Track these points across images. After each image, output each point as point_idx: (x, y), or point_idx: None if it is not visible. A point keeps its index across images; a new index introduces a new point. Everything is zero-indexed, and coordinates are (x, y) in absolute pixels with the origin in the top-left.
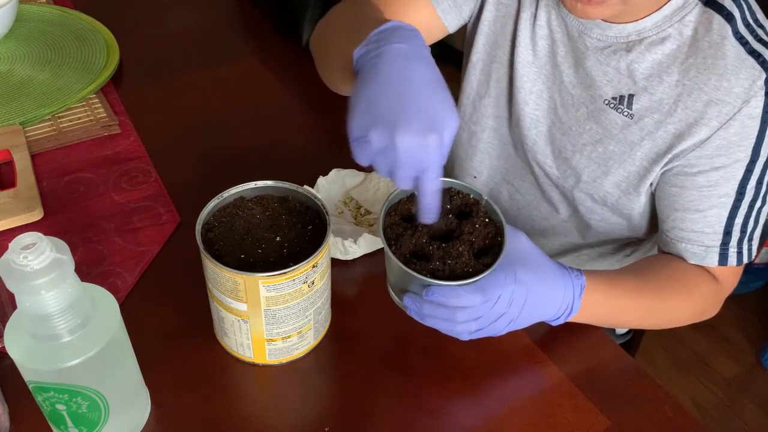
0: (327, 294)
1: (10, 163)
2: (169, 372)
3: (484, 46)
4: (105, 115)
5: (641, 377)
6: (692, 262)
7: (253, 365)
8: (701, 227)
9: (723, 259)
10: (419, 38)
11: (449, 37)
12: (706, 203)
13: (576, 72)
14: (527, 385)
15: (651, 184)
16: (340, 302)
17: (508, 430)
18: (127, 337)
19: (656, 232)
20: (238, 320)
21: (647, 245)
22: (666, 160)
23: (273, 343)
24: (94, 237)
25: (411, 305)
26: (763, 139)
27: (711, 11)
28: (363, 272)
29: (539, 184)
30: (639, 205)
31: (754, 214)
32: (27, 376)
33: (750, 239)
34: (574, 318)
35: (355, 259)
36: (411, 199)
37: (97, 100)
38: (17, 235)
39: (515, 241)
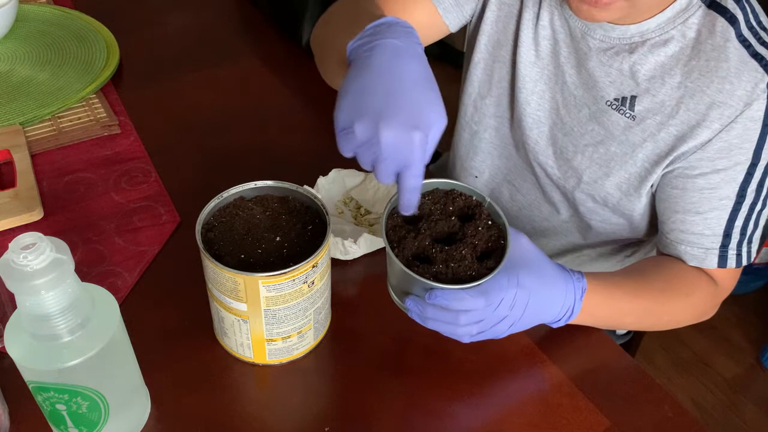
0: (327, 294)
1: (10, 163)
2: (169, 372)
3: (486, 45)
4: (105, 115)
5: (641, 377)
6: (691, 264)
7: (253, 365)
8: (701, 229)
9: (722, 261)
10: (414, 35)
11: (449, 37)
12: (707, 205)
13: (578, 73)
14: (527, 386)
15: (652, 185)
16: (340, 302)
17: (509, 430)
18: (127, 337)
19: (656, 233)
20: (238, 320)
21: (647, 246)
22: (667, 161)
23: (273, 343)
24: (94, 237)
25: (413, 308)
26: (764, 143)
27: (714, 13)
28: (363, 272)
29: (540, 184)
30: (640, 207)
31: (754, 217)
32: (27, 376)
33: (749, 242)
34: (574, 320)
35: (355, 259)
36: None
37: (97, 100)
38: (17, 235)
39: (517, 244)
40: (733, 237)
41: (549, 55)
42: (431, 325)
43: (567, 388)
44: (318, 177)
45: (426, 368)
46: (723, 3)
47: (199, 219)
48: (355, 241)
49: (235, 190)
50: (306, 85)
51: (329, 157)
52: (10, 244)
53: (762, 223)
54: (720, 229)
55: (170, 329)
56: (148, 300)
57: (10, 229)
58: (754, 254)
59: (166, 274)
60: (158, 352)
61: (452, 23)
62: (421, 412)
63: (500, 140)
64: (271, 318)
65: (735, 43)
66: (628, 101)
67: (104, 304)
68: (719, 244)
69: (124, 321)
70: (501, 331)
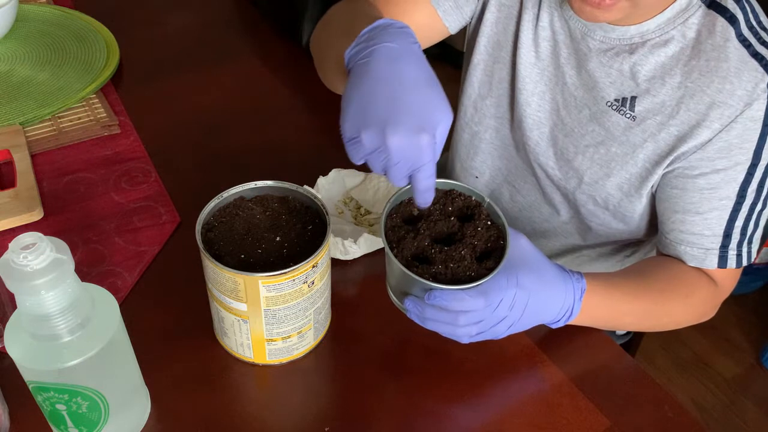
0: (327, 294)
1: (10, 163)
2: (169, 372)
3: (486, 47)
4: (105, 115)
5: (641, 377)
6: (691, 264)
7: (253, 365)
8: (701, 230)
9: (722, 261)
10: (410, 35)
11: (449, 37)
12: (707, 206)
13: (578, 74)
14: (527, 386)
15: (652, 186)
16: (340, 302)
17: (509, 430)
18: (127, 337)
19: (656, 233)
20: (238, 320)
21: (647, 246)
22: (667, 162)
23: (273, 343)
24: (94, 237)
25: (412, 308)
26: (765, 143)
27: (714, 13)
28: (363, 272)
29: (541, 185)
30: (640, 207)
31: (754, 217)
32: (27, 376)
33: (750, 242)
34: (573, 321)
35: (355, 259)
36: (412, 201)
37: (97, 100)
38: (17, 235)
39: (516, 244)
40: (733, 237)
41: (549, 56)
42: (430, 326)
43: (567, 388)
44: (318, 177)
45: (426, 368)
46: (723, 3)
47: (199, 219)
48: (355, 241)
49: (235, 190)
50: (306, 85)
51: (329, 157)
52: (10, 244)
53: (762, 223)
54: (720, 230)
55: (170, 329)
56: (148, 300)
57: (10, 229)
58: (754, 255)
59: (166, 274)
60: (158, 352)
61: (452, 25)
62: (421, 412)
63: (500, 141)
64: (271, 318)
65: (735, 42)
66: (628, 102)
67: (104, 304)
68: (719, 245)
69: (124, 321)
70: (500, 331)
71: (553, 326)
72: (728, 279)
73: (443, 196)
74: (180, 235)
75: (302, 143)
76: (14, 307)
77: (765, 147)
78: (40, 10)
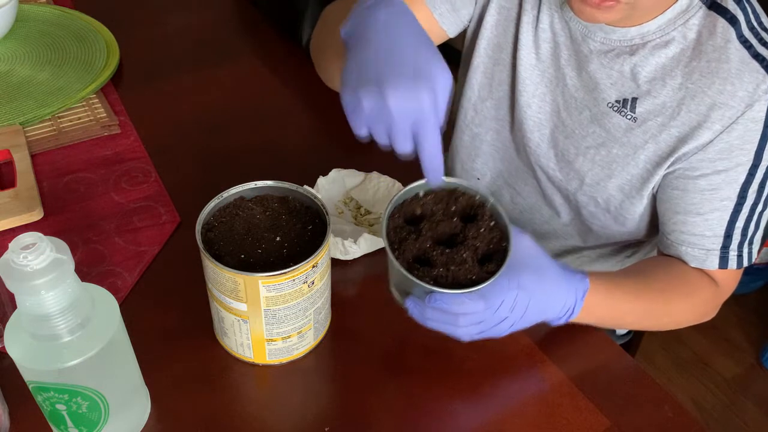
0: (327, 294)
1: (10, 163)
2: (169, 372)
3: (485, 49)
4: (105, 115)
5: (641, 377)
6: (692, 265)
7: (253, 365)
8: (702, 230)
9: (723, 262)
10: (402, 4)
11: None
12: (708, 206)
13: (579, 75)
14: (527, 385)
15: (653, 187)
16: (340, 302)
17: (509, 429)
18: (127, 337)
19: (657, 234)
20: (238, 320)
21: (647, 247)
22: (668, 163)
23: (273, 343)
24: (94, 237)
25: (413, 309)
26: (766, 144)
27: (715, 14)
28: (363, 272)
29: (541, 187)
30: (641, 209)
31: (755, 218)
32: (27, 376)
33: (750, 243)
34: (574, 319)
35: (355, 259)
36: (415, 199)
37: (97, 100)
38: (17, 235)
39: (520, 244)
40: (734, 238)
41: (550, 58)
42: (431, 325)
43: (567, 388)
44: (318, 177)
45: (426, 368)
46: (723, 4)
47: (199, 219)
48: (355, 241)
49: (235, 190)
50: (306, 85)
51: (329, 157)
52: (10, 244)
53: (763, 224)
54: (721, 230)
55: (170, 329)
56: (148, 300)
57: (10, 229)
58: (755, 255)
59: (166, 274)
60: (158, 352)
61: (450, 28)
62: (421, 412)
63: (501, 143)
64: (271, 318)
65: (736, 44)
66: (629, 103)
67: (104, 304)
68: (720, 245)
69: (124, 321)
70: (501, 330)
71: (554, 323)
72: (729, 279)
73: (446, 195)
74: (180, 235)
75: (302, 143)
76: (14, 307)
77: (766, 148)
78: (40, 10)
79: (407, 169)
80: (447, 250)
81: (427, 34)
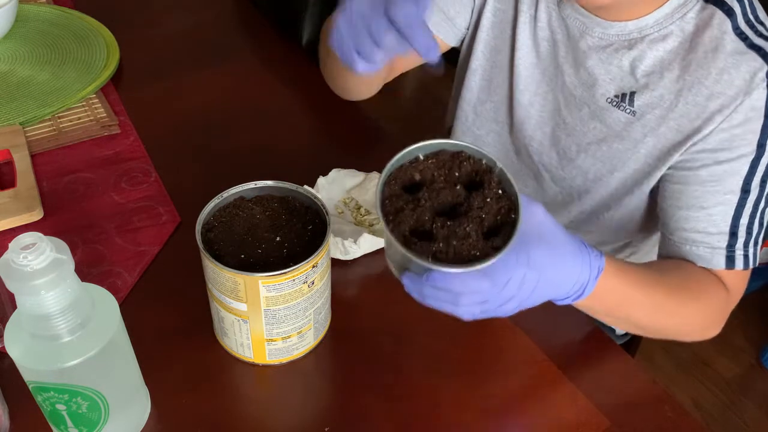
0: (327, 294)
1: (10, 163)
2: (169, 372)
3: (483, 52)
4: (105, 115)
5: (641, 377)
6: (699, 264)
7: (253, 365)
8: (705, 226)
9: (730, 261)
10: None
11: None
12: (711, 200)
13: (577, 72)
14: (527, 386)
15: (655, 183)
16: (340, 302)
17: (508, 429)
18: (127, 337)
19: (655, 231)
20: (238, 320)
21: (646, 247)
22: (669, 156)
23: (273, 343)
24: (94, 237)
25: (410, 285)
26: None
27: (712, 6)
28: (363, 272)
29: (543, 188)
30: (643, 205)
31: (758, 215)
32: (27, 376)
33: (756, 243)
34: (581, 302)
35: (355, 259)
36: (414, 163)
37: (97, 100)
38: (17, 235)
39: (530, 215)
40: (739, 236)
41: (549, 56)
42: (430, 303)
43: (567, 388)
44: (318, 177)
45: (426, 368)
46: None
47: (199, 219)
48: (355, 241)
49: (235, 190)
50: (306, 85)
51: (329, 157)
52: (10, 244)
53: (765, 223)
54: (726, 227)
55: (170, 329)
56: (148, 300)
57: (10, 229)
58: (758, 257)
59: (166, 274)
60: (158, 352)
61: (447, 37)
62: (420, 412)
63: (501, 145)
64: (271, 318)
65: (731, 35)
66: (627, 97)
67: (104, 304)
68: (726, 244)
69: (124, 321)
70: (507, 311)
71: (559, 302)
72: (738, 282)
73: (449, 159)
74: (180, 235)
75: (302, 143)
76: (14, 307)
77: None
78: (40, 10)
79: None
80: (449, 222)
81: None
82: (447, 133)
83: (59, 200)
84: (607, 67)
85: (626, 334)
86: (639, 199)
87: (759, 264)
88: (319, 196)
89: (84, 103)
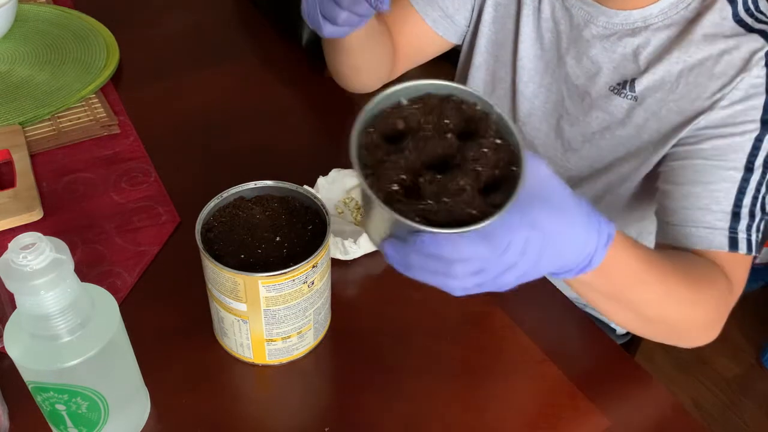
0: (327, 294)
1: (9, 163)
2: (168, 372)
3: (486, 47)
4: (105, 115)
5: (641, 377)
6: (698, 247)
7: (253, 365)
8: (708, 203)
9: (733, 243)
10: None
11: None
12: (713, 175)
13: (579, 62)
14: (527, 386)
15: (658, 167)
16: (340, 302)
17: (509, 429)
18: (127, 337)
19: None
20: (238, 320)
21: (646, 241)
22: (671, 138)
23: (273, 343)
24: (94, 237)
25: (393, 254)
26: None
27: None
28: (363, 272)
29: None
30: (648, 191)
31: (760, 198)
32: (26, 376)
33: (758, 229)
34: (585, 277)
35: (355, 259)
36: (397, 109)
37: (96, 100)
38: (17, 235)
39: (534, 171)
40: (742, 217)
41: (552, 48)
42: (416, 276)
43: (567, 388)
44: (318, 177)
45: (426, 368)
46: None
47: (199, 219)
48: (355, 241)
49: (235, 190)
50: (306, 85)
51: (329, 157)
52: (9, 244)
53: (766, 210)
54: (728, 205)
55: (170, 329)
56: (148, 300)
57: (10, 229)
58: (761, 245)
59: (166, 274)
60: (158, 352)
61: (447, 34)
62: (420, 412)
63: None
64: (270, 318)
65: (731, 22)
66: (628, 84)
67: (104, 304)
68: (728, 225)
69: (124, 321)
70: (506, 283)
71: (563, 276)
72: (740, 272)
73: (438, 103)
74: (180, 235)
75: (302, 143)
76: (14, 307)
77: None
78: (40, 10)
79: None
80: (439, 177)
81: None
82: None
83: (59, 200)
84: (611, 55)
85: (626, 333)
86: (645, 185)
87: (759, 264)
88: (319, 196)
89: (84, 103)
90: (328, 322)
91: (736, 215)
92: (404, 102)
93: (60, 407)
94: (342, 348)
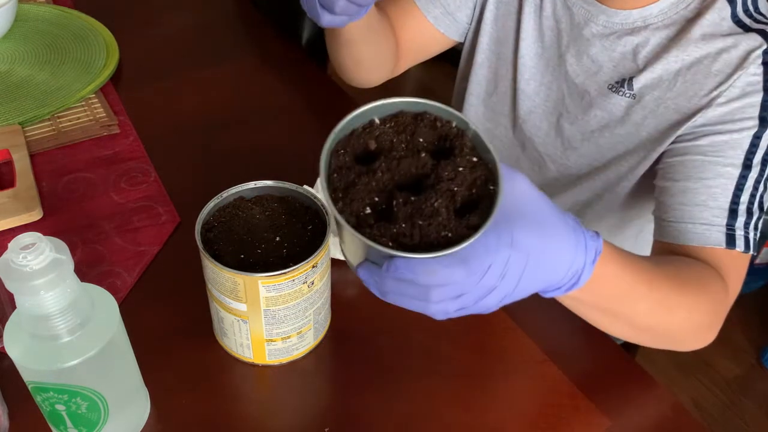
0: (327, 294)
1: (9, 163)
2: (169, 372)
3: (488, 44)
4: (104, 115)
5: (641, 377)
6: (695, 244)
7: (253, 365)
8: (705, 199)
9: (730, 240)
10: None
11: None
12: (711, 171)
13: (579, 60)
14: (527, 386)
15: (657, 166)
16: (340, 302)
17: (509, 429)
18: (127, 337)
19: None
20: (238, 320)
21: (647, 237)
22: (669, 135)
23: (273, 343)
24: (94, 237)
25: (368, 279)
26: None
27: None
28: None
29: (542, 174)
30: (647, 189)
31: (758, 196)
32: (26, 376)
33: (756, 228)
34: (575, 293)
35: None
36: (369, 129)
37: (96, 100)
38: (17, 235)
39: (513, 187)
40: (739, 214)
41: (553, 46)
42: (393, 300)
43: (567, 388)
44: (318, 177)
45: (426, 368)
46: None
47: (198, 219)
48: None
49: (234, 190)
50: (306, 85)
51: None
52: (9, 244)
53: (765, 208)
54: (725, 202)
55: (170, 329)
56: (148, 300)
57: (10, 229)
58: (760, 245)
59: (166, 274)
60: (158, 352)
61: (448, 31)
62: (420, 412)
63: (508, 139)
64: (270, 318)
65: (729, 22)
66: (626, 82)
67: (104, 304)
68: (725, 221)
69: (124, 321)
70: (488, 306)
71: (550, 294)
72: (737, 272)
73: (411, 121)
74: (180, 235)
75: (302, 143)
76: (14, 307)
77: None
78: (40, 10)
79: None
80: (412, 198)
81: None
82: None
83: (59, 200)
84: (611, 54)
85: None
86: (642, 184)
87: (759, 264)
88: (319, 196)
89: (83, 103)
90: (328, 322)
91: (733, 212)
92: (376, 121)
93: (60, 407)
94: (342, 348)
